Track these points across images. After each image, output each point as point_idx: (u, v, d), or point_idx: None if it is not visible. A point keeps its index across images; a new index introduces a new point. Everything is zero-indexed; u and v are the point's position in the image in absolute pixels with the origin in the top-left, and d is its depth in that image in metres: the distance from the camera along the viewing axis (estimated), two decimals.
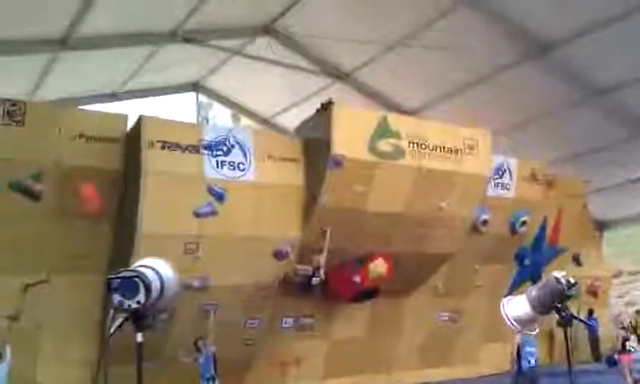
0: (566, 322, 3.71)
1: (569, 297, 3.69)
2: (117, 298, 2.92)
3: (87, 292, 9.99)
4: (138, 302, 2.93)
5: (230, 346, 10.74)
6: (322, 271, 10.73)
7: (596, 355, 15.06)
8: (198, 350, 9.92)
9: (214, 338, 10.18)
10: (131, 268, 3.08)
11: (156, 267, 3.06)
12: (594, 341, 15.01)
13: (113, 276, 2.99)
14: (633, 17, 10.76)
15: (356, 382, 12.66)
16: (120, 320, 2.99)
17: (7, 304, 9.15)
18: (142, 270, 3.00)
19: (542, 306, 3.73)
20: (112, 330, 2.93)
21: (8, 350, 8.59)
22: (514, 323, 3.87)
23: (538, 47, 12.16)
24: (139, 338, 3.00)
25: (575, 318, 3.90)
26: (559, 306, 3.70)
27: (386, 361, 13.16)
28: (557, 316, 3.76)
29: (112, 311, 2.96)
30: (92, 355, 10.14)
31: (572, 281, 3.69)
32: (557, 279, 3.70)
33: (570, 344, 4.00)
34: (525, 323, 3.88)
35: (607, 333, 14.51)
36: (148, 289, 2.93)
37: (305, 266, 10.81)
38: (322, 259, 10.72)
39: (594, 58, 12.18)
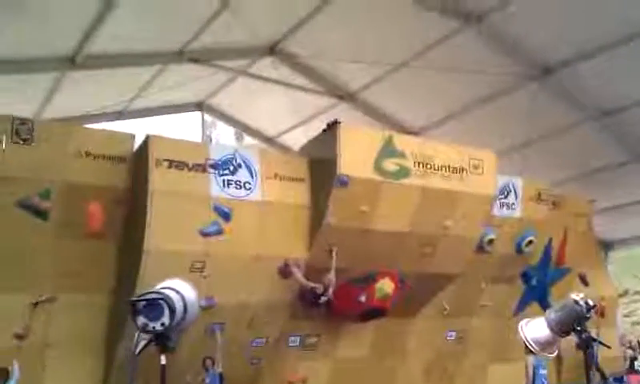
0: (586, 343, 3.70)
1: (588, 319, 3.68)
2: (141, 319, 2.91)
3: (92, 311, 9.98)
4: (162, 324, 2.92)
5: (236, 366, 10.68)
6: (331, 290, 10.70)
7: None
8: (207, 369, 9.86)
9: (220, 357, 10.12)
10: (155, 290, 3.08)
11: (179, 289, 3.06)
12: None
13: (137, 298, 2.98)
14: (635, 40, 10.86)
15: None
16: (144, 342, 2.98)
17: (14, 322, 9.11)
18: (166, 292, 3.00)
19: (561, 328, 3.73)
20: (137, 352, 2.91)
21: (16, 368, 8.55)
22: (533, 345, 3.85)
23: (541, 69, 12.27)
24: (163, 360, 2.98)
25: (595, 340, 3.89)
26: (579, 328, 3.69)
27: (392, 381, 13.06)
28: (575, 338, 3.76)
29: (137, 333, 2.94)
30: (98, 374, 10.15)
31: (591, 303, 3.69)
32: (576, 301, 3.70)
33: (590, 366, 3.97)
34: (544, 345, 3.87)
35: (615, 353, 14.41)
36: (172, 311, 2.93)
37: (317, 284, 10.76)
38: (333, 278, 10.69)
39: (597, 81, 12.28)
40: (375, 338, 12.74)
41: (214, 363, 9.97)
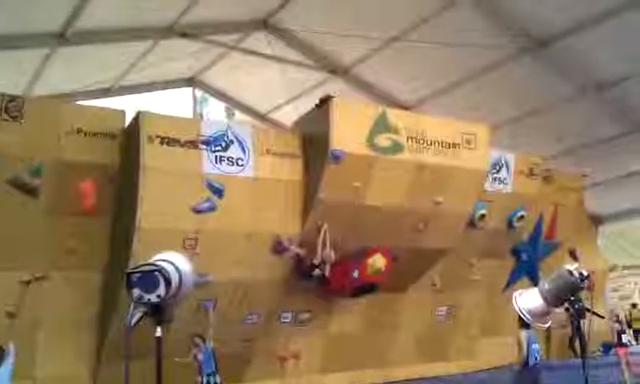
0: (579, 314, 3.72)
1: (581, 289, 3.70)
2: (137, 292, 2.90)
3: (85, 288, 9.96)
4: (158, 296, 2.91)
5: (229, 342, 10.70)
6: (327, 267, 10.72)
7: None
8: (196, 345, 9.86)
9: (213, 334, 10.13)
10: (150, 262, 3.06)
11: (174, 261, 3.04)
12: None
13: (132, 270, 2.97)
14: (631, 11, 10.82)
15: (354, 376, 12.67)
16: (139, 314, 2.97)
17: (5, 300, 9.08)
18: (162, 264, 2.98)
19: (555, 299, 3.74)
20: (132, 324, 2.90)
21: (12, 348, 8.53)
22: (527, 316, 3.87)
23: (535, 42, 12.23)
24: (158, 331, 2.97)
25: (588, 310, 3.92)
26: (572, 298, 3.71)
27: (384, 355, 13.17)
28: (569, 308, 3.78)
29: (132, 305, 2.93)
30: (90, 351, 10.16)
31: (585, 273, 3.71)
32: (569, 272, 3.71)
33: (583, 337, 4.01)
34: (537, 316, 3.89)
35: (603, 326, 14.58)
36: (168, 282, 2.92)
37: (316, 259, 10.75)
38: (331, 254, 10.70)
39: (592, 53, 12.26)
40: (367, 313, 12.81)
41: (204, 340, 9.98)
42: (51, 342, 9.69)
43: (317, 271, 10.79)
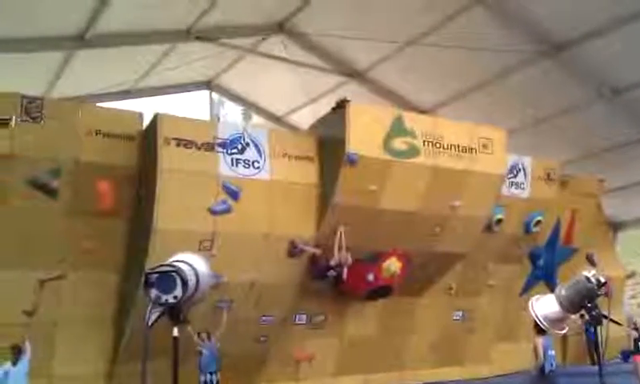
0: (596, 320, 3.69)
1: (598, 296, 3.67)
2: (154, 292, 2.93)
3: (102, 288, 10.09)
4: (175, 297, 2.94)
5: (244, 343, 10.79)
6: (345, 269, 10.71)
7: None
8: (202, 340, 9.90)
9: (228, 334, 10.16)
10: (168, 263, 3.09)
11: (191, 262, 3.07)
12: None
13: (150, 271, 3.00)
14: None
15: (368, 379, 12.68)
16: (156, 314, 3.00)
17: (24, 299, 9.16)
18: (179, 264, 3.01)
19: (572, 305, 3.71)
20: (150, 324, 2.94)
21: (28, 345, 8.64)
22: (543, 322, 3.84)
23: (553, 46, 12.13)
24: (175, 332, 3.00)
25: (605, 317, 3.88)
26: (589, 304, 3.68)
27: (398, 359, 13.14)
28: (586, 315, 3.74)
29: (150, 305, 2.96)
30: (107, 350, 10.26)
31: (602, 280, 3.68)
32: (587, 278, 3.68)
33: (600, 344, 3.97)
34: (553, 322, 3.86)
35: (622, 334, 14.41)
36: (185, 283, 2.95)
37: (333, 260, 10.75)
38: (349, 257, 10.71)
39: (610, 58, 12.14)
40: (383, 316, 12.80)
41: (209, 337, 10.03)
42: (68, 340, 9.81)
43: (332, 272, 10.79)
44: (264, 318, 11.19)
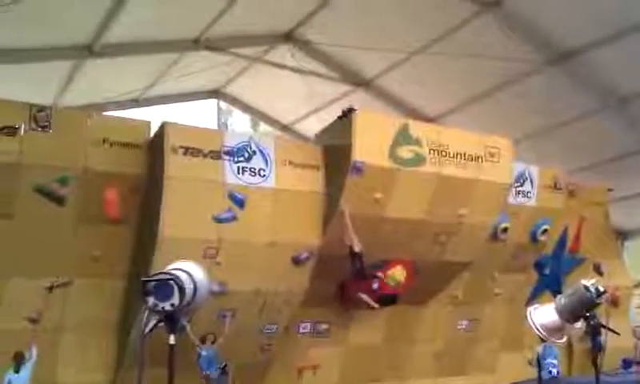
0: (594, 330, 3.69)
1: (597, 305, 3.67)
2: (151, 300, 2.97)
3: (108, 295, 10.16)
4: (172, 305, 2.97)
5: (248, 352, 10.81)
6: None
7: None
8: (203, 342, 9.93)
9: (232, 342, 10.17)
10: (165, 271, 3.13)
11: (189, 270, 3.10)
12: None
13: (147, 278, 3.04)
14: None
15: None
16: (153, 322, 3.03)
17: (29, 306, 9.27)
18: (176, 272, 3.04)
19: (571, 315, 3.71)
20: (146, 331, 2.97)
21: (34, 351, 8.70)
22: (541, 331, 3.85)
23: (560, 54, 12.11)
24: (172, 339, 3.04)
25: (604, 326, 3.88)
26: (588, 314, 3.68)
27: (403, 368, 13.10)
28: (584, 324, 3.74)
29: (146, 313, 3.00)
30: (111, 358, 10.31)
31: (601, 289, 3.67)
32: (586, 287, 3.68)
33: (598, 352, 3.97)
34: (552, 331, 3.86)
35: (627, 342, 14.32)
36: (182, 291, 2.98)
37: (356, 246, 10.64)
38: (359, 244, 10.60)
39: (617, 67, 12.10)
40: (387, 325, 12.78)
41: (214, 341, 10.07)
42: (73, 347, 9.88)
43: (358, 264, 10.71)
44: (268, 325, 11.19)
